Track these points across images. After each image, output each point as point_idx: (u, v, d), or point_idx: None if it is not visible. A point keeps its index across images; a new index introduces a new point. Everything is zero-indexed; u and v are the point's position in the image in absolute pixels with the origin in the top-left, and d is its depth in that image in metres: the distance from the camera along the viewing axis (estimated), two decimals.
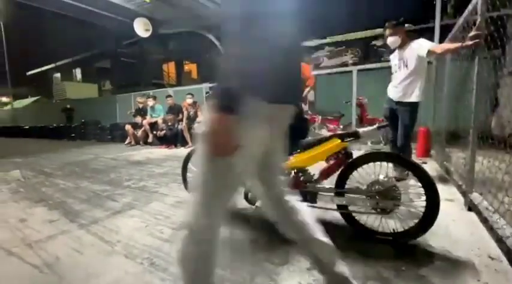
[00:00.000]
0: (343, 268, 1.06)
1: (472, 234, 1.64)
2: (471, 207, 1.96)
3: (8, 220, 2.11)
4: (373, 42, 10.28)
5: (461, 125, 2.58)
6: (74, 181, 3.39)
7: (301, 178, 1.77)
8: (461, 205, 2.10)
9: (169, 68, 19.88)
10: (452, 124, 3.27)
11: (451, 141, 3.20)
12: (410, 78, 2.58)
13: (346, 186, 1.66)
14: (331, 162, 1.64)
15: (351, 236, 1.66)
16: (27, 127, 13.65)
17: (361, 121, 5.21)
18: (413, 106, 2.62)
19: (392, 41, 2.62)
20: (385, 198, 1.53)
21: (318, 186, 1.74)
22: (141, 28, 7.07)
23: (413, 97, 2.60)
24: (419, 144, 4.02)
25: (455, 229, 1.72)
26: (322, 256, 1.09)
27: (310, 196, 1.73)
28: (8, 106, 20.22)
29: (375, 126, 1.55)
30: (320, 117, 5.71)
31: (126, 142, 7.47)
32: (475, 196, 1.95)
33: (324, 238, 1.10)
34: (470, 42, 1.94)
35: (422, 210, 1.46)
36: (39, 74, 23.68)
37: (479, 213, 1.79)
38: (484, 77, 2.02)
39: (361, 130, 1.56)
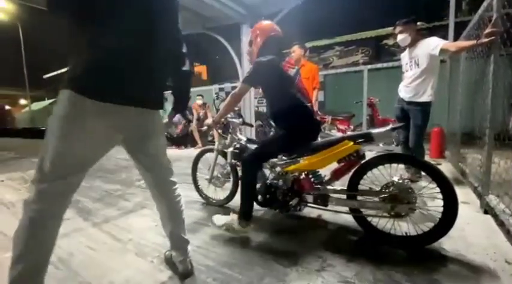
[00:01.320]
0: (187, 264, 1.30)
1: (488, 238, 1.59)
2: (487, 209, 1.90)
3: None
4: (385, 41, 10.10)
5: (477, 125, 2.50)
6: (87, 180, 3.48)
7: (312, 180, 1.75)
8: (477, 207, 2.04)
9: None
10: (467, 124, 3.17)
11: (466, 141, 3.10)
12: (422, 77, 2.52)
13: (359, 188, 1.61)
14: (343, 163, 1.60)
15: (361, 238, 1.64)
16: (44, 128, 14.13)
17: (372, 121, 5.13)
18: (425, 106, 2.55)
19: (402, 38, 2.56)
20: (399, 201, 1.46)
21: (330, 187, 1.70)
22: None
23: (425, 97, 2.53)
24: (433, 144, 3.92)
25: (471, 232, 1.67)
26: (176, 251, 1.32)
27: (320, 199, 1.69)
28: (26, 109, 20.99)
29: (388, 127, 1.48)
30: (330, 118, 5.66)
31: None
32: (491, 199, 1.89)
33: (185, 236, 1.33)
34: (485, 40, 1.88)
35: (439, 214, 1.41)
36: (56, 77, 24.49)
37: (495, 216, 1.73)
38: (500, 75, 1.95)
39: (374, 131, 1.50)
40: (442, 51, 2.32)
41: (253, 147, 1.96)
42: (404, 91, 2.68)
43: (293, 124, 1.65)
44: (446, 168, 3.36)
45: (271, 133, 6.15)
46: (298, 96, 1.67)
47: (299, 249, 1.54)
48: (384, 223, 1.58)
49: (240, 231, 1.67)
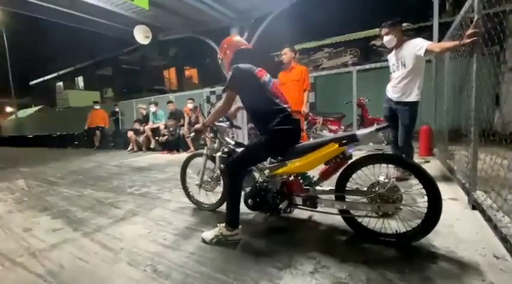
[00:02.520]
0: None
1: (477, 233, 1.62)
2: (475, 205, 1.94)
3: (13, 230, 2.13)
4: (373, 42, 10.28)
5: (463, 123, 2.57)
6: (77, 189, 3.41)
7: (301, 181, 1.77)
8: (465, 204, 2.09)
9: (170, 73, 20.03)
10: (454, 122, 3.25)
11: (453, 139, 3.18)
12: (409, 78, 2.58)
13: (347, 188, 1.64)
14: (331, 163, 1.62)
15: (352, 238, 1.66)
16: (31, 136, 13.79)
17: (363, 121, 5.20)
18: (412, 106, 2.61)
19: (387, 40, 2.62)
20: (386, 200, 1.50)
21: (318, 188, 1.73)
22: (141, 35, 7.13)
23: (413, 97, 2.59)
24: (422, 143, 4.00)
25: (460, 228, 1.71)
26: None
27: (310, 201, 1.71)
28: (13, 116, 20.45)
29: (373, 128, 1.49)
30: (321, 118, 5.71)
31: (128, 149, 7.51)
32: (479, 195, 1.93)
33: None
34: (468, 40, 1.93)
35: (425, 210, 1.45)
36: (42, 83, 23.99)
37: (483, 212, 1.78)
38: (483, 74, 2.01)
39: (359, 133, 1.53)
40: (427, 52, 2.38)
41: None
42: (392, 92, 2.73)
43: (273, 128, 1.65)
44: (434, 165, 3.43)
45: None
46: (275, 100, 1.70)
47: (292, 251, 1.55)
48: (373, 222, 1.60)
49: (231, 235, 1.68)
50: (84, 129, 9.22)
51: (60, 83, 22.93)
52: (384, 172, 1.60)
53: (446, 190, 2.45)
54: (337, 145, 1.53)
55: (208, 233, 1.73)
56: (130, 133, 7.50)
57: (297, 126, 1.74)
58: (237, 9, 6.87)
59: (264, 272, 1.36)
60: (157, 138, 6.89)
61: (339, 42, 10.80)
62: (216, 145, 2.14)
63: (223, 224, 1.70)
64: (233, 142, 2.07)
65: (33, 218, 2.41)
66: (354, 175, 1.63)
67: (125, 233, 1.96)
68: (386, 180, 1.52)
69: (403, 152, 2.84)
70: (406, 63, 2.58)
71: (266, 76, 1.78)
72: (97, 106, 8.20)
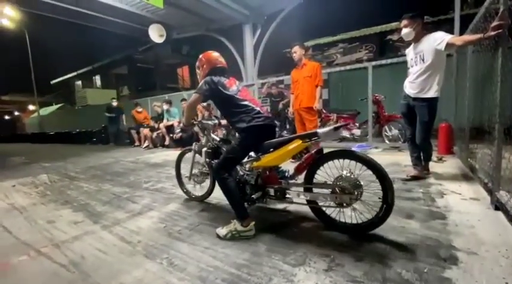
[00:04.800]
0: None
1: (500, 235, 1.56)
2: (498, 205, 1.86)
3: (37, 222, 2.24)
4: (389, 37, 9.98)
5: (486, 120, 2.45)
6: (96, 183, 3.54)
7: (276, 175, 1.92)
8: (487, 204, 2.00)
9: (184, 71, 20.27)
10: (476, 119, 3.11)
11: (475, 136, 3.05)
12: (427, 73, 2.49)
13: (314, 181, 1.78)
14: (297, 158, 1.78)
15: (366, 236, 1.63)
16: (52, 133, 14.40)
17: (378, 118, 5.08)
18: (431, 102, 2.52)
19: (406, 32, 2.53)
20: (344, 192, 1.61)
21: (291, 182, 1.87)
22: (156, 34, 7.25)
23: (431, 93, 2.50)
24: (441, 140, 3.86)
25: (481, 229, 1.64)
26: None
27: (280, 192, 1.87)
28: (35, 114, 21.40)
29: (331, 127, 1.62)
30: (335, 115, 5.62)
31: (144, 146, 7.70)
32: (502, 195, 1.85)
33: None
34: (492, 33, 1.84)
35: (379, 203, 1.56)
36: (62, 82, 24.92)
37: (506, 212, 1.70)
38: (509, 68, 1.91)
39: (319, 131, 1.66)
40: (448, 45, 2.28)
41: (225, 146, 2.16)
42: (410, 88, 2.65)
43: (244, 126, 1.81)
44: (455, 164, 3.31)
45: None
46: (244, 103, 1.87)
47: (305, 248, 1.54)
48: (334, 211, 1.73)
49: (245, 231, 1.71)
50: (102, 126, 9.45)
51: (79, 82, 23.77)
52: (356, 168, 1.65)
53: (467, 189, 2.37)
54: (301, 142, 1.67)
55: (223, 229, 1.76)
56: (146, 131, 7.68)
57: (269, 122, 1.87)
58: (250, 6, 6.85)
59: (278, 269, 1.37)
60: (171, 135, 7.02)
61: (354, 37, 10.56)
62: (203, 142, 2.40)
63: (235, 220, 1.75)
64: (218, 139, 2.29)
65: (55, 211, 2.52)
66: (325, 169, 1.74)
67: (141, 227, 2.02)
68: (348, 174, 1.64)
69: (421, 150, 2.76)
70: (424, 58, 2.49)
71: (235, 85, 1.98)
72: (140, 109, 8.27)
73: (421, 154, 2.77)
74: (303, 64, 3.74)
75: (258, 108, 1.88)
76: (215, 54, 2.10)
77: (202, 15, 7.11)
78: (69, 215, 2.39)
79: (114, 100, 9.27)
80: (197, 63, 2.14)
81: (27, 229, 2.10)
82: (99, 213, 2.40)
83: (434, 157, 3.22)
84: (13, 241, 1.90)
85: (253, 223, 1.74)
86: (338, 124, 1.65)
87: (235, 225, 1.72)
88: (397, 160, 3.65)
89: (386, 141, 4.93)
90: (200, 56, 2.11)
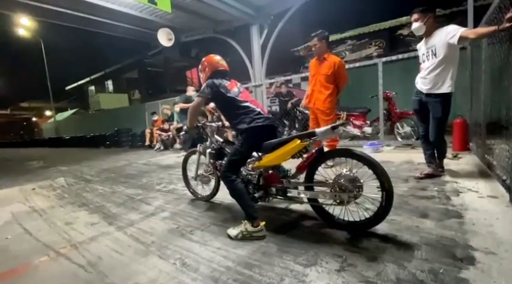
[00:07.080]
0: None
1: None
2: None
3: (56, 223, 2.33)
4: (399, 32, 9.76)
5: (503, 114, 2.36)
6: (110, 186, 3.63)
7: (278, 174, 1.94)
8: (506, 202, 1.93)
9: (193, 74, 20.50)
10: (493, 113, 3.00)
11: (492, 132, 2.94)
12: (440, 68, 2.42)
13: (315, 180, 1.79)
14: (296, 157, 1.77)
15: (379, 236, 1.61)
16: (67, 137, 14.89)
17: (390, 115, 4.98)
18: (445, 98, 2.45)
19: (416, 27, 2.47)
20: (343, 190, 1.62)
21: (292, 180, 1.89)
22: (164, 38, 7.37)
23: (445, 88, 2.43)
24: (456, 137, 3.74)
25: (500, 228, 1.58)
26: None
27: (281, 191, 1.89)
28: (52, 119, 22.17)
29: (328, 127, 1.61)
30: (345, 114, 5.54)
31: (155, 148, 7.85)
32: None
33: None
34: (507, 25, 1.78)
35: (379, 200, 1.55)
36: (76, 88, 25.71)
37: None
38: None
39: (317, 130, 1.67)
40: (461, 39, 2.22)
41: (228, 148, 2.20)
42: (422, 83, 2.58)
43: (245, 127, 1.84)
44: (471, 160, 3.21)
45: (285, 132, 6.13)
46: (244, 104, 1.91)
47: (318, 248, 1.53)
48: (336, 209, 1.74)
49: (255, 231, 1.72)
50: (115, 130, 9.64)
51: (92, 87, 24.46)
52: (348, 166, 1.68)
53: (484, 187, 2.29)
54: (299, 141, 1.67)
55: (234, 230, 1.78)
56: (156, 134, 7.84)
57: (269, 123, 1.89)
58: (256, 6, 6.85)
59: (289, 269, 1.37)
60: (181, 136, 7.12)
61: (363, 33, 10.39)
62: (207, 143, 2.44)
63: (245, 220, 1.76)
64: (221, 140, 2.33)
65: (73, 213, 2.61)
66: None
67: (155, 228, 2.06)
68: (348, 173, 1.66)
69: (435, 147, 2.69)
70: (437, 52, 2.42)
71: (236, 87, 2.03)
72: (155, 117, 8.34)
73: (435, 151, 2.70)
74: (324, 58, 3.39)
75: (258, 109, 1.91)
76: (217, 58, 2.15)
77: (210, 18, 7.17)
78: (85, 217, 2.47)
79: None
80: (200, 67, 2.20)
81: (46, 230, 2.18)
82: (114, 214, 2.47)
83: (449, 154, 3.14)
84: (34, 243, 1.97)
85: (263, 223, 1.75)
86: (335, 124, 1.65)
87: (246, 226, 1.73)
88: (410, 158, 3.57)
89: (399, 139, 4.83)
90: (203, 60, 2.17)
